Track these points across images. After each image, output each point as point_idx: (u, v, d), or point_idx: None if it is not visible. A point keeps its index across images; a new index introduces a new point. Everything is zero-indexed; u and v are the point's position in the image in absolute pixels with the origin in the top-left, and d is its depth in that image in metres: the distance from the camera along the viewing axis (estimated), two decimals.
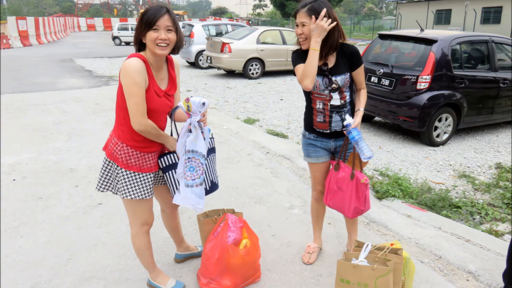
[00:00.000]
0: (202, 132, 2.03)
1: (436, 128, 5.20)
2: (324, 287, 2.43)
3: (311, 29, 2.12)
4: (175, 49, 2.00)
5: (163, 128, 2.12)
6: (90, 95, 8.34)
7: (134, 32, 1.99)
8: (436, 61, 4.91)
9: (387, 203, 3.55)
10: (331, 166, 2.48)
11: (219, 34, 13.90)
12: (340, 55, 2.26)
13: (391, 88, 5.25)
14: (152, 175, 2.11)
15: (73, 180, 3.94)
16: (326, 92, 2.27)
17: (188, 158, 2.02)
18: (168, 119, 2.19)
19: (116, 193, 2.11)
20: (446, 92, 5.04)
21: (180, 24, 9.55)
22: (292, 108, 7.51)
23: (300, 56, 2.27)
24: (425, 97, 4.95)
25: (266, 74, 11.71)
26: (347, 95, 2.32)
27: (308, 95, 2.36)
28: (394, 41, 5.78)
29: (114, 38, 24.90)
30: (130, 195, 2.04)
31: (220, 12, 71.32)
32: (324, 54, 2.21)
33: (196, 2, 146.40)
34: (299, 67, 2.21)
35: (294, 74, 2.28)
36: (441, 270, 2.61)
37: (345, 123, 2.23)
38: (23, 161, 4.43)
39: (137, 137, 2.00)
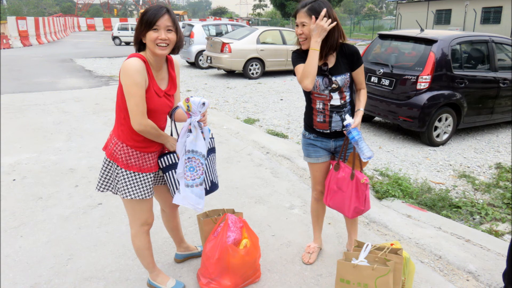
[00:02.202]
0: (202, 132, 2.03)
1: (436, 128, 5.20)
2: (324, 287, 2.43)
3: (311, 29, 2.12)
4: (175, 49, 2.00)
5: (163, 128, 2.12)
6: (90, 95, 8.34)
7: (134, 32, 1.99)
8: (436, 61, 4.91)
9: (387, 203, 3.55)
10: (331, 166, 2.48)
11: (219, 34, 13.90)
12: (340, 55, 2.26)
13: (391, 88, 5.25)
14: (152, 175, 2.11)
15: (73, 180, 3.94)
16: (326, 92, 2.27)
17: (188, 158, 2.02)
18: (168, 119, 2.19)
19: (116, 193, 2.11)
20: (446, 92, 5.04)
21: (180, 24, 9.55)
22: (292, 108, 7.51)
23: (300, 56, 2.27)
24: (425, 97, 4.95)
25: (266, 74, 11.72)
26: (347, 95, 2.32)
27: (308, 95, 2.36)
28: (394, 41, 5.78)
29: (114, 38, 24.91)
30: (130, 195, 2.04)
31: (220, 12, 71.31)
32: (324, 54, 2.21)
33: (196, 2, 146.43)
34: (299, 67, 2.21)
35: (294, 74, 2.28)
36: (441, 270, 2.61)
37: (345, 123, 2.23)
38: (23, 161, 4.43)
39: (137, 137, 2.00)
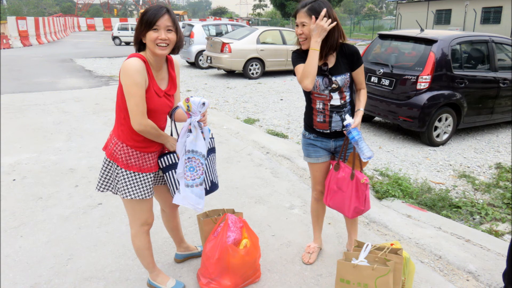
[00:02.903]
0: (202, 132, 2.03)
1: (436, 128, 5.20)
2: (324, 287, 2.43)
3: (311, 29, 2.12)
4: (175, 49, 2.00)
5: (163, 128, 2.12)
6: (90, 95, 8.34)
7: (134, 32, 1.99)
8: (436, 61, 4.91)
9: (387, 203, 3.55)
10: (331, 166, 2.48)
11: (219, 34, 13.90)
12: (340, 55, 2.26)
13: (391, 88, 5.25)
14: (152, 175, 2.11)
15: (73, 180, 3.94)
16: (326, 92, 2.28)
17: (188, 158, 2.02)
18: (168, 119, 2.19)
19: (116, 193, 2.11)
20: (446, 92, 5.04)
21: (180, 24, 9.55)
22: (292, 108, 7.51)
23: (300, 56, 2.27)
24: (425, 97, 4.95)
25: (266, 74, 11.72)
26: (347, 95, 2.32)
27: (308, 95, 2.36)
28: (394, 41, 5.78)
29: (114, 38, 24.92)
30: (130, 195, 2.04)
31: (220, 12, 71.30)
32: (324, 54, 2.21)
33: (196, 2, 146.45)
34: (299, 67, 2.21)
35: (294, 74, 2.28)
36: (441, 270, 2.61)
37: (345, 123, 2.23)
38: (23, 161, 4.43)
39: (137, 137, 2.00)
